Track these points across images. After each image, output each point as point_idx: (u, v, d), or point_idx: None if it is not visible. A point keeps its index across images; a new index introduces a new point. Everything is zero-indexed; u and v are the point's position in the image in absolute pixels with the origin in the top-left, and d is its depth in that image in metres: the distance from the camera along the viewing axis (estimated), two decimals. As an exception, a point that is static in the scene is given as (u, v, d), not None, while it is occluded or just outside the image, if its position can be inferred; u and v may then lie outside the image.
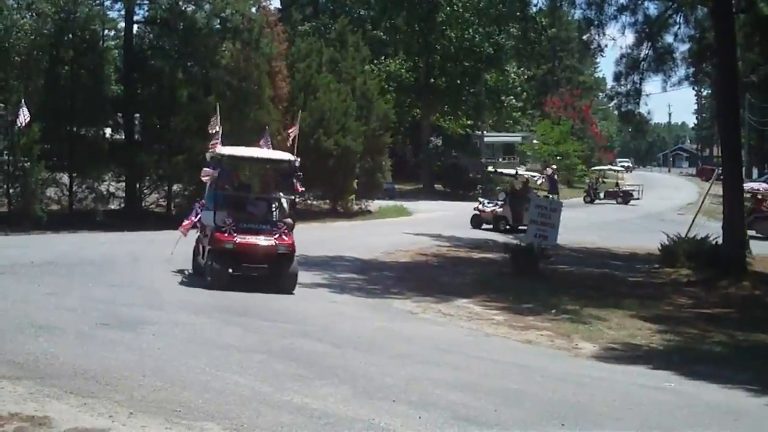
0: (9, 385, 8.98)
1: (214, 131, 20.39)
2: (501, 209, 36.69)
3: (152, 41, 37.04)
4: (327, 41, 48.62)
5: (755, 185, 44.04)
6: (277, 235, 18.02)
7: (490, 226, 36.43)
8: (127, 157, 33.72)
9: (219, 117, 20.53)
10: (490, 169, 44.66)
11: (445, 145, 74.62)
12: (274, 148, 22.36)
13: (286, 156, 19.59)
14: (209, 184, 19.68)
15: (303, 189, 21.36)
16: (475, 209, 37.89)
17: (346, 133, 41.58)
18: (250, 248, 17.73)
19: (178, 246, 19.60)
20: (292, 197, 19.77)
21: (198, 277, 18.66)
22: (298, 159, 19.28)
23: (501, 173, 42.72)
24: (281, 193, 20.25)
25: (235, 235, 17.67)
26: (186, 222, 19.55)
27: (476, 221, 37.26)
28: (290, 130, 27.16)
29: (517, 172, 40.69)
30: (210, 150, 20.12)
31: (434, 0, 62.15)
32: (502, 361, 12.73)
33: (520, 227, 34.87)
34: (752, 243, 26.60)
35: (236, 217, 18.26)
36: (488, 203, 38.01)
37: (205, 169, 19.65)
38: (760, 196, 41.13)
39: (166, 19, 35.64)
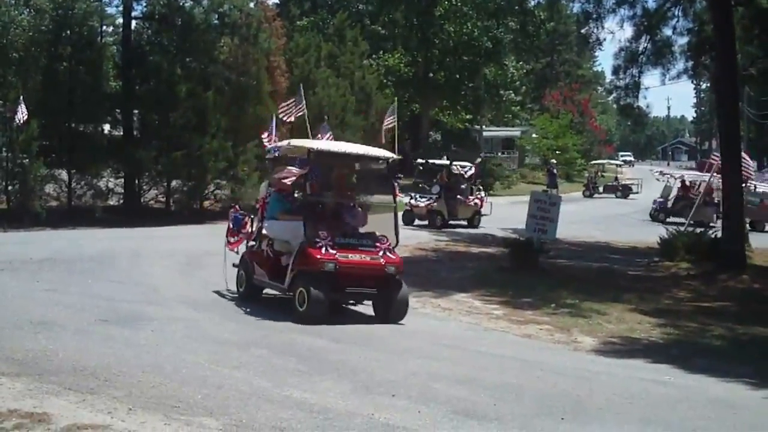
0: (8, 382, 8.97)
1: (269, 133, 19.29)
2: (435, 203, 34.30)
3: (150, 37, 36.95)
4: (325, 36, 48.68)
5: (685, 173, 46.42)
6: (381, 252, 14.63)
7: (425, 222, 34.22)
8: (126, 153, 33.65)
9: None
10: (420, 160, 41.68)
11: (445, 139, 74.63)
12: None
13: (387, 153, 16.20)
14: (271, 188, 16.38)
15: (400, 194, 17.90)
16: (406, 204, 34.02)
17: (345, 128, 41.55)
18: (355, 269, 14.25)
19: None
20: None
21: (251, 301, 15.73)
22: (400, 157, 17.13)
23: (433, 164, 39.36)
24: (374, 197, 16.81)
25: (334, 252, 14.11)
26: (233, 239, 16.95)
27: (408, 217, 33.76)
28: (386, 122, 25.86)
29: (451, 163, 37.97)
30: (271, 144, 18.28)
31: (432, -6, 62.20)
32: (501, 355, 12.72)
33: (452, 221, 34.44)
34: (751, 236, 26.61)
35: (329, 230, 14.61)
36: (421, 197, 35.01)
37: (290, 168, 15.22)
38: (688, 183, 42.22)
39: (164, 15, 35.57)
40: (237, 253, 16.92)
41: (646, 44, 27.57)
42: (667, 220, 38.62)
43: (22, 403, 8.25)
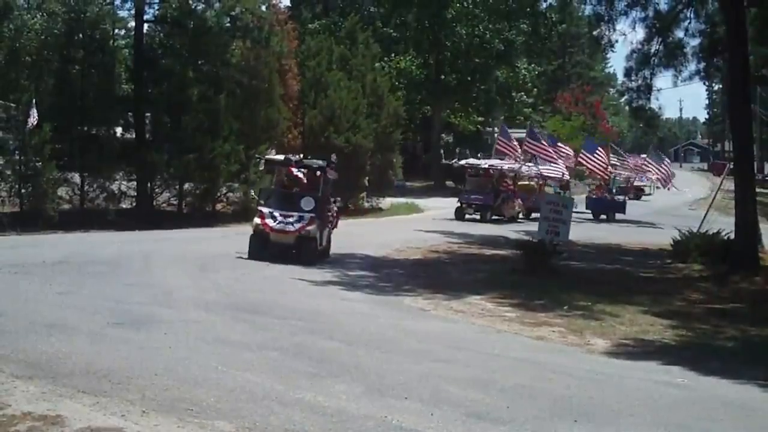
0: (22, 385, 8.99)
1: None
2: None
3: (162, 40, 37.10)
4: (337, 39, 48.73)
5: (491, 161, 44.87)
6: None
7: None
8: (138, 156, 33.79)
9: None
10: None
11: (456, 141, 74.64)
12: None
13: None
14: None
15: None
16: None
17: (357, 131, 41.64)
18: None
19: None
20: None
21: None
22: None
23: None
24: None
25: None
26: None
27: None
28: None
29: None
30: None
31: (444, -3, 62.18)
32: (514, 357, 12.70)
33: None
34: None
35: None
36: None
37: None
38: (494, 173, 42.16)
39: (176, 18, 35.70)
40: None
41: (658, 46, 27.54)
42: None
43: (36, 406, 8.27)
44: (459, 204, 41.93)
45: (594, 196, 50.54)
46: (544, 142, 43.54)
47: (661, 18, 27.47)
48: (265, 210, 22.36)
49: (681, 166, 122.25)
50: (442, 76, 64.73)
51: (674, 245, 25.42)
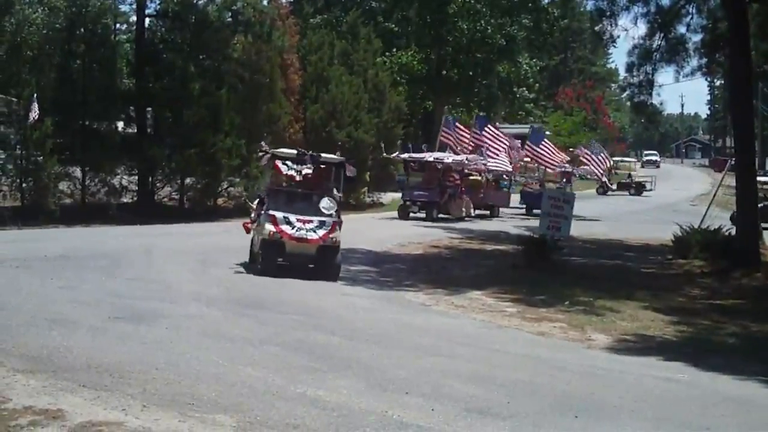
0: (23, 379, 9.01)
1: None
2: None
3: (164, 35, 37.08)
4: (339, 33, 48.68)
5: (436, 154, 40.20)
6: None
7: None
8: (140, 150, 33.77)
9: None
10: None
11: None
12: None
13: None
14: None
15: None
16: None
17: (359, 126, 41.64)
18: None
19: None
20: None
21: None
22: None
23: None
24: None
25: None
26: None
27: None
28: None
29: None
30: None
31: (445, -9, 62.09)
32: (514, 353, 12.72)
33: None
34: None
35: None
36: None
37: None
38: (440, 167, 38.33)
39: (177, 13, 35.64)
40: None
41: (659, 41, 27.48)
42: None
43: (37, 400, 8.29)
44: (402, 202, 38.28)
45: (529, 190, 46.97)
46: (487, 133, 41.49)
47: (662, 13, 27.44)
48: (278, 214, 18.65)
49: (682, 162, 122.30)
50: (444, 72, 64.59)
51: (675, 241, 25.41)
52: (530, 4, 63.47)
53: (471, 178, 41.89)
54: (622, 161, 74.96)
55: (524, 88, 71.19)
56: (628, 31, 36.54)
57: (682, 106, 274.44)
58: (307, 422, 8.08)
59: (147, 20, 36.96)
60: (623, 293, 18.86)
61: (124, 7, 38.55)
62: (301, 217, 18.72)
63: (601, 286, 19.56)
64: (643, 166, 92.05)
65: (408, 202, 37.64)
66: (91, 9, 33.03)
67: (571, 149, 53.68)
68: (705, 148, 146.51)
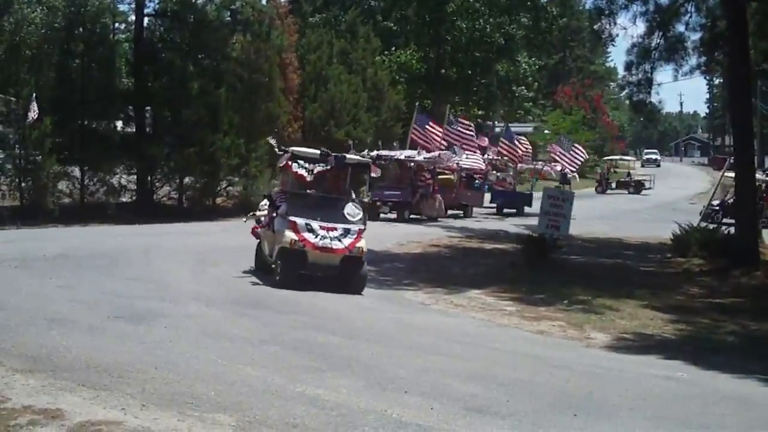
0: (22, 378, 9.00)
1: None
2: None
3: (163, 34, 37.03)
4: (338, 33, 48.71)
5: (407, 152, 38.25)
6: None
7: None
8: (139, 149, 33.73)
9: None
10: None
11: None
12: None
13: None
14: None
15: None
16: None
17: (357, 125, 41.64)
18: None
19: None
20: None
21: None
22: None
23: None
24: None
25: None
26: None
27: None
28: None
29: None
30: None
31: (444, -10, 62.12)
32: (514, 351, 12.72)
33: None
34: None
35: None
36: None
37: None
38: (412, 164, 36.90)
39: (176, 12, 35.63)
40: None
41: (658, 40, 27.49)
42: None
43: (35, 400, 8.28)
44: (371, 202, 33.21)
45: (500, 189, 45.52)
46: (461, 129, 40.51)
47: (661, 12, 27.45)
48: (299, 220, 17.02)
49: (681, 160, 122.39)
50: (443, 70, 64.61)
51: (674, 240, 25.43)
52: (529, 3, 63.58)
53: (443, 177, 40.26)
54: (621, 160, 74.92)
55: (523, 87, 71.18)
56: (627, 29, 36.69)
57: (681, 104, 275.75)
58: (306, 421, 8.08)
59: (146, 19, 36.92)
60: (622, 292, 18.89)
61: (122, 7, 38.52)
62: (324, 224, 17.16)
63: (600, 285, 19.59)
64: (643, 165, 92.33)
65: (378, 203, 34.99)
66: (89, 8, 32.99)
67: (548, 149, 53.11)
68: (704, 146, 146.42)
